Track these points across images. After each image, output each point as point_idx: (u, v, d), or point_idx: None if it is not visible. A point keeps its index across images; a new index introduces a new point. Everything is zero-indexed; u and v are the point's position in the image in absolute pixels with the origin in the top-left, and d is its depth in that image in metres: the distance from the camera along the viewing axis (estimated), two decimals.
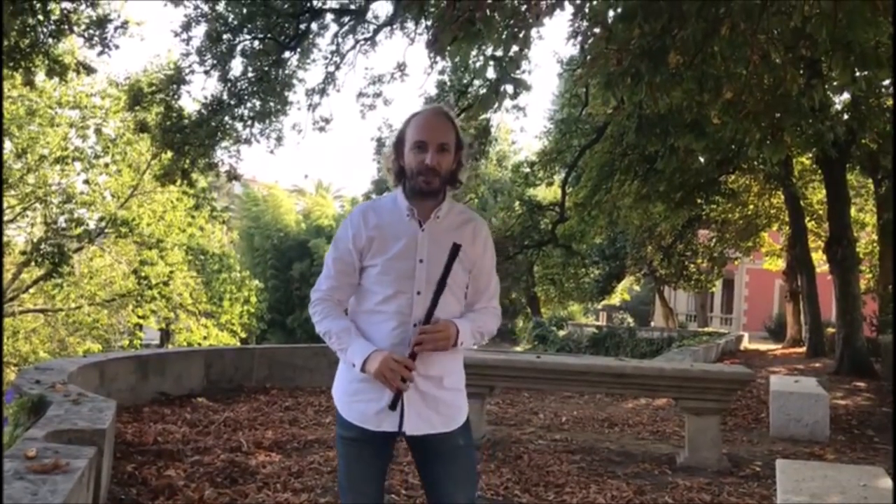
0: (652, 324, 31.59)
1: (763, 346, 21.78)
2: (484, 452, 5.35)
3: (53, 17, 8.60)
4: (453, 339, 2.10)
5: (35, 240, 16.42)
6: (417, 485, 4.28)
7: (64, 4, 8.79)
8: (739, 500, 4.37)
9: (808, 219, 18.69)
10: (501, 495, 4.29)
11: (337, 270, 2.22)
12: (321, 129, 12.30)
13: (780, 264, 23.48)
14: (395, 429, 2.13)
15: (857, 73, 5.53)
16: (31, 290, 17.70)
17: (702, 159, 13.63)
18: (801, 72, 6.50)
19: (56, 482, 2.30)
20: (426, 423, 2.15)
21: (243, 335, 21.00)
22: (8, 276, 17.77)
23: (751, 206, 20.24)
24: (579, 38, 8.71)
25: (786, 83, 5.81)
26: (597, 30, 5.81)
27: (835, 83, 6.14)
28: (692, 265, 24.58)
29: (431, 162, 2.12)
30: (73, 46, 12.66)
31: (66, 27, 8.82)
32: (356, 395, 2.18)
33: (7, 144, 16.25)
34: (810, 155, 14.09)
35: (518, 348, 27.90)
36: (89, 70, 11.02)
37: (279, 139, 11.78)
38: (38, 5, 8.27)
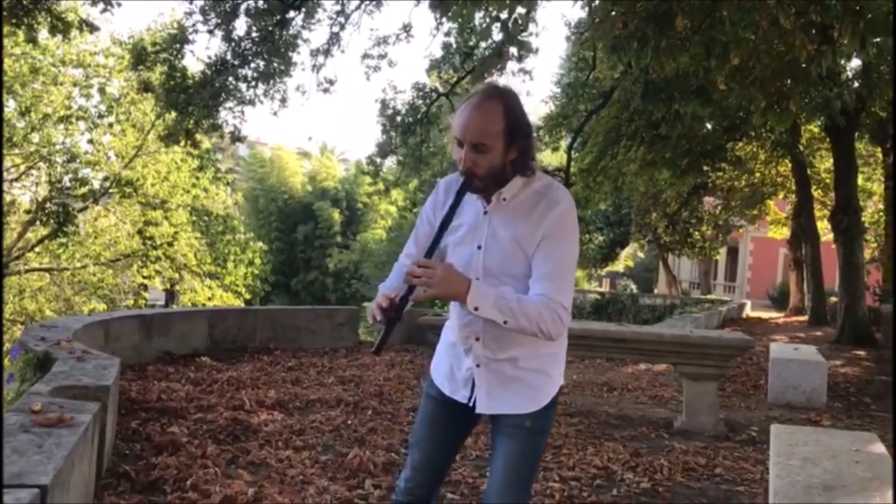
0: (655, 291, 31.66)
1: (765, 315, 21.87)
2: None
3: None
4: (461, 294, 1.86)
5: (40, 199, 16.46)
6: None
7: None
8: (734, 464, 4.43)
9: (814, 187, 18.62)
10: None
11: (417, 239, 2.18)
12: (325, 90, 12.23)
13: (784, 233, 23.45)
14: (465, 401, 2.08)
15: (868, 40, 5.46)
16: (37, 249, 17.78)
17: (708, 126, 13.52)
18: (811, 38, 6.42)
19: (61, 435, 2.34)
20: (497, 403, 2.04)
21: (247, 296, 21.12)
22: (13, 234, 17.84)
23: (757, 174, 20.15)
24: (586, 0, 8.60)
25: (795, 49, 5.75)
26: None
27: (844, 49, 6.07)
28: (696, 232, 24.56)
29: (465, 165, 1.93)
30: (75, 3, 12.54)
31: None
32: (442, 357, 2.18)
33: (10, 102, 16.20)
34: (818, 123, 13.98)
35: None
36: (92, 28, 10.91)
37: (283, 100, 11.71)
38: None
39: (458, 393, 2.08)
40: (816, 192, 19.05)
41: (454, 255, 2.03)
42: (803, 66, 5.97)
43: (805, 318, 18.41)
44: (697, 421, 5.33)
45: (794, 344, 10.16)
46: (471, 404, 2.06)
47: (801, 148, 16.35)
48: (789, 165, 18.21)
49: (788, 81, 6.22)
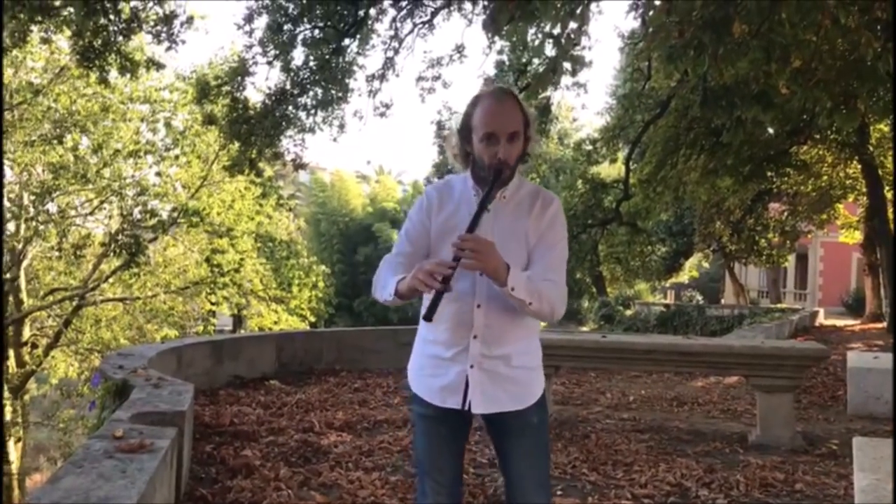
0: (722, 301, 30.86)
1: (840, 322, 21.06)
2: (551, 431, 5.37)
3: (123, 17, 8.88)
4: (502, 272, 1.96)
5: (112, 231, 17.10)
6: (486, 464, 4.35)
7: (133, 3, 9.07)
8: (815, 479, 4.27)
9: (887, 188, 17.90)
10: (569, 474, 4.31)
11: (410, 238, 2.22)
12: (382, 114, 12.39)
13: (857, 237, 22.60)
14: (458, 406, 2.12)
15: None
16: (111, 280, 18.42)
17: (770, 131, 13.18)
18: (877, 35, 6.21)
19: (143, 461, 2.43)
20: (492, 402, 2.12)
21: (312, 319, 21.43)
22: (88, 266, 18.56)
23: (824, 177, 19.51)
24: (640, 11, 8.55)
25: (860, 48, 5.58)
26: (657, 1, 5.68)
27: None
28: (763, 240, 23.87)
29: (504, 156, 2.06)
30: (141, 43, 13.06)
31: (136, 25, 9.09)
32: (423, 370, 2.21)
33: (84, 140, 16.94)
34: (889, 121, 13.48)
35: (584, 328, 27.68)
36: (158, 66, 11.37)
37: (341, 126, 11.92)
38: (109, 5, 8.56)
39: (450, 400, 2.13)
40: (890, 193, 18.32)
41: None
42: (869, 64, 5.78)
43: (883, 324, 17.66)
44: (773, 434, 5.16)
45: (873, 352, 9.76)
46: (466, 408, 2.11)
47: (871, 148, 15.78)
48: (858, 167, 17.59)
49: (854, 81, 6.04)
